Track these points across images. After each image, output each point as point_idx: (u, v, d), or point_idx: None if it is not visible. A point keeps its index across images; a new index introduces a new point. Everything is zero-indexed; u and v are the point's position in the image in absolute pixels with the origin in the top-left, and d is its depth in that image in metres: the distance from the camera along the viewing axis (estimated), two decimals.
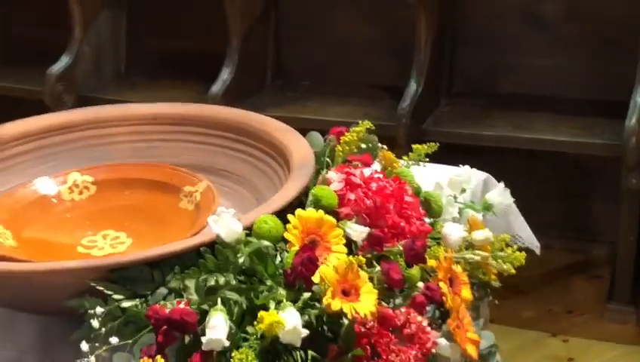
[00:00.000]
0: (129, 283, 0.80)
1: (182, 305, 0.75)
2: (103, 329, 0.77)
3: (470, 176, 1.16)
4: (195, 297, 0.77)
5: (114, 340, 0.76)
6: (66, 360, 0.81)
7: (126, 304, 0.79)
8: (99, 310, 0.76)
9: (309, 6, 2.73)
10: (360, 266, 0.82)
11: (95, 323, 0.76)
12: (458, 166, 1.17)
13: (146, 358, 0.73)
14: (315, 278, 0.80)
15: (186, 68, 2.81)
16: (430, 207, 1.03)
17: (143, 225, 1.06)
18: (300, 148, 1.06)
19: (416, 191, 1.03)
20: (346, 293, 0.80)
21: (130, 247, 1.03)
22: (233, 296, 0.77)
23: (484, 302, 1.08)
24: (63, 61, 2.69)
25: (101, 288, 0.78)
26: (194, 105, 1.21)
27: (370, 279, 0.83)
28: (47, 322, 0.89)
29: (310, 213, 0.87)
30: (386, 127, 2.36)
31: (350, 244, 0.90)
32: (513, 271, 1.01)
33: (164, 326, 0.73)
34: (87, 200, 1.10)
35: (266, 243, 0.81)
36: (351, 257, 0.81)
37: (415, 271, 0.88)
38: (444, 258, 0.91)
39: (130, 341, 0.77)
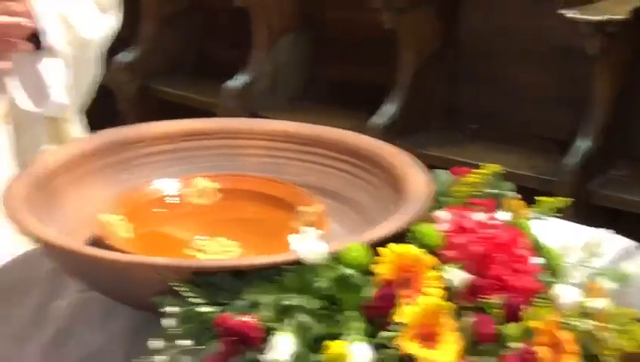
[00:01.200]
0: (211, 289, 0.80)
1: (249, 319, 0.73)
2: (177, 329, 0.77)
3: (609, 241, 1.07)
4: (268, 314, 0.75)
5: (186, 342, 0.76)
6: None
7: (203, 309, 0.78)
8: (172, 310, 0.76)
9: (486, 48, 2.66)
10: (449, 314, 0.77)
11: (169, 322, 0.76)
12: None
13: None
14: (398, 317, 0.76)
15: (360, 97, 2.84)
16: (548, 266, 0.95)
17: (254, 238, 1.06)
18: (419, 183, 1.02)
19: (535, 246, 0.95)
20: (425, 339, 0.75)
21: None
22: (305, 319, 0.74)
23: None
24: (241, 79, 2.81)
25: (180, 289, 0.78)
26: (324, 127, 1.20)
27: (458, 329, 0.78)
28: (139, 314, 0.91)
29: (407, 248, 0.83)
30: (549, 182, 2.25)
31: (448, 290, 0.85)
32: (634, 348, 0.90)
33: (229, 336, 0.72)
34: (208, 205, 1.13)
35: (348, 271, 0.77)
36: (438, 302, 0.76)
37: (513, 328, 0.81)
38: (548, 321, 0.83)
39: (203, 346, 0.77)
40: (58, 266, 0.95)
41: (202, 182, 1.14)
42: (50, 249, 0.90)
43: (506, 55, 2.62)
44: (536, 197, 1.03)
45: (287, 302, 0.76)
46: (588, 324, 0.88)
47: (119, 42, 3.20)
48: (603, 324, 0.89)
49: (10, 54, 1.28)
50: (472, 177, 0.98)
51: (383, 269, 0.81)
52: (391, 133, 2.58)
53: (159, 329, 0.80)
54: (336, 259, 0.79)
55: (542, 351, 0.81)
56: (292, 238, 0.78)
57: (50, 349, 0.92)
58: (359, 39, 2.85)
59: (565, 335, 0.85)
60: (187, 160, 1.17)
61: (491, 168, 0.99)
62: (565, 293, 0.88)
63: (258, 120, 1.26)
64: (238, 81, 2.79)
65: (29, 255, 1.10)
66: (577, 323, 0.88)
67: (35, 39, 1.32)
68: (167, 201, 1.11)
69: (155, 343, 0.77)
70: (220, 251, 1.04)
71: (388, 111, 2.59)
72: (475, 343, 0.79)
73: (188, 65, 3.24)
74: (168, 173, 1.15)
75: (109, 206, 1.05)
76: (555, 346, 0.84)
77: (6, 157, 1.34)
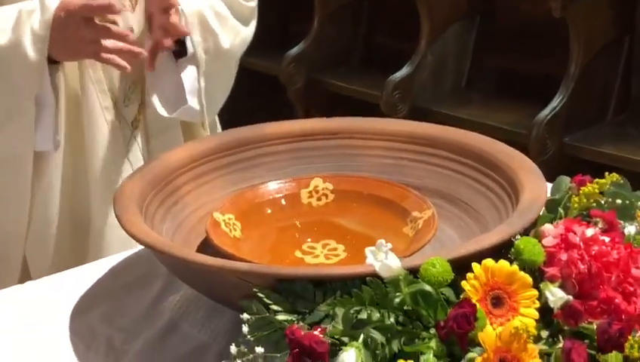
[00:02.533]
0: (292, 296, 0.79)
1: (318, 332, 0.71)
2: (253, 335, 0.77)
3: None
4: (339, 327, 0.73)
5: (260, 350, 0.76)
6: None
7: (281, 317, 0.78)
8: (247, 316, 0.76)
9: None
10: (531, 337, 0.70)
11: (245, 328, 0.77)
12: None
13: None
14: (479, 338, 0.71)
15: (524, 89, 2.71)
16: None
17: (362, 242, 1.04)
18: (534, 190, 0.95)
19: None
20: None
21: (343, 261, 1.02)
22: (377, 335, 0.71)
23: None
24: (404, 71, 2.77)
25: (261, 295, 0.78)
26: (446, 128, 1.15)
27: (547, 355, 0.71)
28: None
29: (501, 265, 0.78)
30: None
31: (550, 311, 0.78)
32: None
33: (296, 349, 0.71)
34: (322, 206, 1.12)
35: (428, 287, 0.73)
36: (522, 325, 0.70)
37: (613, 358, 0.73)
38: None
39: (277, 354, 0.76)
40: (166, 267, 0.98)
41: (317, 183, 1.13)
42: (147, 248, 0.93)
43: None
44: None
45: (361, 316, 0.74)
46: None
47: (290, 37, 3.30)
48: None
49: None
50: (589, 187, 0.89)
51: (471, 286, 0.76)
52: (559, 128, 2.45)
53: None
54: (416, 273, 0.76)
55: None
56: (368, 252, 0.75)
57: (156, 342, 0.96)
58: (528, 29, 2.71)
59: None
60: (305, 160, 1.17)
61: (610, 177, 0.89)
62: None
63: (379, 119, 1.23)
64: (400, 74, 2.76)
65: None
66: None
67: (176, 47, 1.36)
68: (280, 202, 1.12)
69: (233, 348, 0.77)
70: (328, 255, 1.03)
71: (556, 105, 2.44)
72: None
73: (355, 58, 3.26)
74: (286, 173, 1.15)
75: (223, 205, 1.07)
76: None
77: (136, 161, 1.40)
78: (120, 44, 1.23)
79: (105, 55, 1.25)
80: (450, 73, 2.90)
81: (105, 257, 1.22)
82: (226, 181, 1.14)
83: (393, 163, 1.16)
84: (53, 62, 1.27)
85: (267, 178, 1.15)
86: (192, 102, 1.39)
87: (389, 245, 0.74)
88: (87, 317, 1.01)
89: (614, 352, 0.73)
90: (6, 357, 0.94)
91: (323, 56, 3.13)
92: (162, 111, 1.38)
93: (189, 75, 1.40)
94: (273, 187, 1.13)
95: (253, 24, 1.49)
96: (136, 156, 1.40)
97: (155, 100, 1.38)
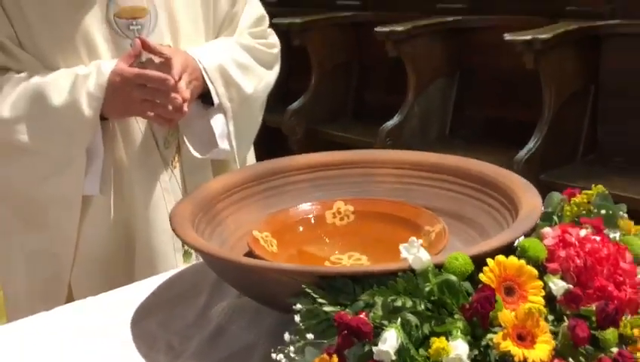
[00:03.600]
0: (333, 291, 0.86)
1: (362, 316, 0.78)
2: (305, 324, 0.83)
3: None
4: (379, 312, 0.80)
5: (310, 336, 0.82)
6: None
7: (327, 308, 0.84)
8: (299, 306, 0.83)
9: (628, 83, 2.56)
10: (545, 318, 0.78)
11: (297, 317, 0.83)
12: None
13: (325, 355, 0.78)
14: (498, 320, 0.78)
15: (502, 134, 2.82)
16: None
17: (382, 253, 1.11)
18: (530, 203, 1.03)
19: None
20: (521, 339, 0.77)
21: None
22: (412, 318, 0.78)
23: None
24: (394, 120, 2.88)
25: (309, 291, 0.85)
26: (449, 156, 1.24)
27: (554, 334, 0.78)
28: (282, 316, 0.98)
29: (511, 260, 0.85)
30: None
31: (553, 299, 0.85)
32: None
33: (344, 331, 0.77)
34: (345, 225, 1.19)
35: (453, 277, 0.81)
36: (534, 306, 0.78)
37: (610, 334, 0.80)
38: None
39: (325, 340, 0.83)
40: (216, 273, 1.05)
41: (339, 206, 1.21)
42: (203, 256, 1.00)
43: None
44: None
45: (397, 304, 0.81)
46: None
47: (290, 93, 3.42)
48: None
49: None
50: (579, 198, 0.98)
51: (487, 277, 0.83)
52: (535, 167, 2.54)
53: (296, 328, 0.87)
54: (442, 266, 0.83)
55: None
56: (402, 247, 0.83)
57: (206, 343, 1.02)
58: (504, 81, 2.84)
59: None
60: (327, 186, 1.25)
61: (596, 189, 0.98)
62: None
63: (389, 151, 1.32)
64: (390, 123, 2.87)
65: (199, 265, 1.22)
66: None
67: (204, 97, 1.46)
68: (310, 221, 1.19)
69: (287, 336, 0.84)
70: (353, 264, 1.10)
71: (532, 146, 2.55)
72: (572, 346, 0.79)
73: (349, 110, 3.38)
74: (311, 198, 1.23)
75: (260, 225, 1.14)
76: None
77: (175, 195, 1.47)
78: (167, 104, 1.32)
79: (151, 113, 1.34)
80: (436, 122, 3.01)
81: (148, 276, 1.29)
82: (259, 205, 1.21)
83: (403, 187, 1.24)
84: (104, 118, 1.36)
85: (295, 202, 1.23)
86: (223, 144, 1.47)
87: (420, 241, 0.82)
88: (146, 324, 1.06)
89: (611, 329, 0.80)
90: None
91: (321, 110, 3.25)
92: (196, 153, 1.46)
93: (218, 121, 1.48)
94: (302, 209, 1.21)
95: (277, 67, 1.59)
96: (176, 192, 1.47)
97: (189, 144, 1.46)
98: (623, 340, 0.82)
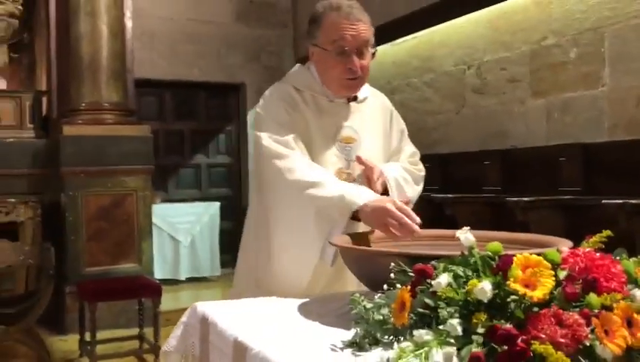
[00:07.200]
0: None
1: (429, 268, 1.27)
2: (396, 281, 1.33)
3: None
4: (441, 269, 1.28)
5: (378, 294, 1.31)
6: None
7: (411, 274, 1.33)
8: (393, 275, 1.33)
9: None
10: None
11: (392, 275, 1.33)
12: None
13: (405, 288, 1.26)
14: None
15: None
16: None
17: None
18: (563, 243, 1.48)
19: (629, 276, 1.33)
20: (528, 286, 1.21)
21: None
22: (459, 271, 1.26)
23: None
24: None
25: (403, 270, 1.35)
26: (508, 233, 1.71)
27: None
28: None
29: (532, 257, 1.30)
30: None
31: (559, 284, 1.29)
32: None
33: (418, 273, 1.26)
34: None
35: (489, 253, 1.28)
36: (538, 260, 1.23)
37: (593, 298, 1.22)
38: (622, 304, 1.22)
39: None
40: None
41: None
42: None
43: None
44: None
45: (452, 267, 1.28)
46: None
47: None
48: None
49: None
50: (592, 240, 1.41)
51: (516, 264, 1.29)
52: None
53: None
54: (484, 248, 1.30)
55: (616, 320, 1.19)
56: (459, 233, 1.32)
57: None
58: None
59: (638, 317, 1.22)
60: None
61: (607, 232, 1.41)
62: (637, 293, 1.25)
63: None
64: None
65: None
66: None
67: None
68: None
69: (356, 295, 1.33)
70: None
71: None
72: (565, 301, 1.20)
73: None
74: None
75: None
76: (630, 323, 1.21)
77: None
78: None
79: (392, 229, 1.89)
80: None
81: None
82: None
83: None
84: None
85: None
86: None
87: (469, 228, 1.31)
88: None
89: (592, 293, 1.21)
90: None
91: None
92: None
93: None
94: None
95: (422, 184, 2.39)
96: None
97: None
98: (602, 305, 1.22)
